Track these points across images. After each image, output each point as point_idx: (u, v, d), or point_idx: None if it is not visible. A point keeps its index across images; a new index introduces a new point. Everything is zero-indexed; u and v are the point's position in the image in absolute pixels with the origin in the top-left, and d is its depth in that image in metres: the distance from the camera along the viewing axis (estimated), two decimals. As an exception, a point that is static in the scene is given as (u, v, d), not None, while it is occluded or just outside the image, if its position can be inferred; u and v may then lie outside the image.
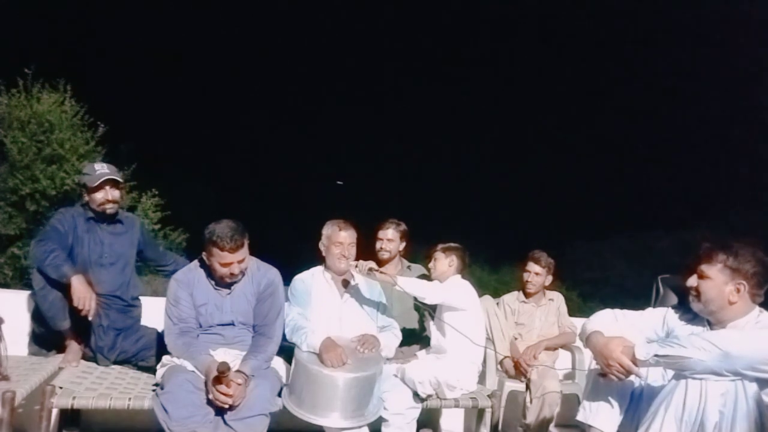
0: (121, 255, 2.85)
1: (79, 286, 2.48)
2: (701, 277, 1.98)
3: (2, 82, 7.43)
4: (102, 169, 2.81)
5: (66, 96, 7.63)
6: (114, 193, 2.79)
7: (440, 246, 2.99)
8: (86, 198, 2.80)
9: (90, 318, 2.54)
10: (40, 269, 2.54)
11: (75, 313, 2.53)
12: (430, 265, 3.02)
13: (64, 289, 2.53)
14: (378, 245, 3.33)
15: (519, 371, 3.21)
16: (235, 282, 2.53)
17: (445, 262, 2.93)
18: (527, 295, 3.49)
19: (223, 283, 2.51)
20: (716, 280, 1.94)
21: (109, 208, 2.79)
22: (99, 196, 2.76)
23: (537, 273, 3.43)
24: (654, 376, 2.08)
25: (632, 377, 1.98)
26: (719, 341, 1.78)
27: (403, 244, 3.38)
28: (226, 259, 2.40)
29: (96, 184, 2.75)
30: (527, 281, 3.45)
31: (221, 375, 2.12)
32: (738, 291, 1.92)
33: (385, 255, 3.29)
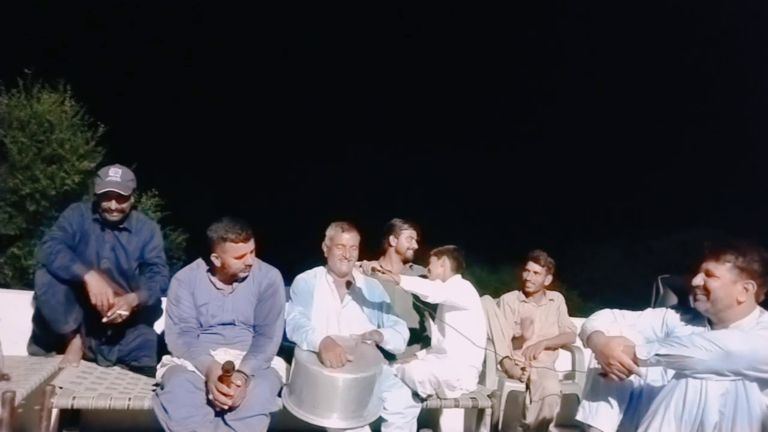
0: (123, 261, 2.75)
1: (93, 282, 2.44)
2: (709, 275, 1.96)
3: (2, 82, 7.43)
4: (115, 176, 2.66)
5: (66, 96, 7.63)
6: (119, 206, 2.67)
7: (432, 251, 3.03)
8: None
9: (107, 317, 2.44)
10: (50, 271, 2.49)
11: (93, 311, 2.46)
12: (429, 269, 3.04)
13: (68, 290, 2.50)
14: (405, 245, 3.34)
15: (504, 367, 3.20)
16: (237, 281, 2.53)
17: (437, 264, 2.97)
18: (527, 294, 3.49)
19: (234, 279, 2.51)
20: (724, 279, 1.93)
21: (111, 217, 2.69)
22: (104, 203, 2.67)
23: (536, 272, 3.43)
24: (654, 376, 2.08)
25: (632, 377, 1.98)
26: (721, 341, 1.78)
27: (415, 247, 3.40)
28: (241, 251, 2.39)
29: (99, 192, 2.64)
30: (527, 280, 3.46)
31: (225, 374, 2.12)
32: (746, 290, 1.91)
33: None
